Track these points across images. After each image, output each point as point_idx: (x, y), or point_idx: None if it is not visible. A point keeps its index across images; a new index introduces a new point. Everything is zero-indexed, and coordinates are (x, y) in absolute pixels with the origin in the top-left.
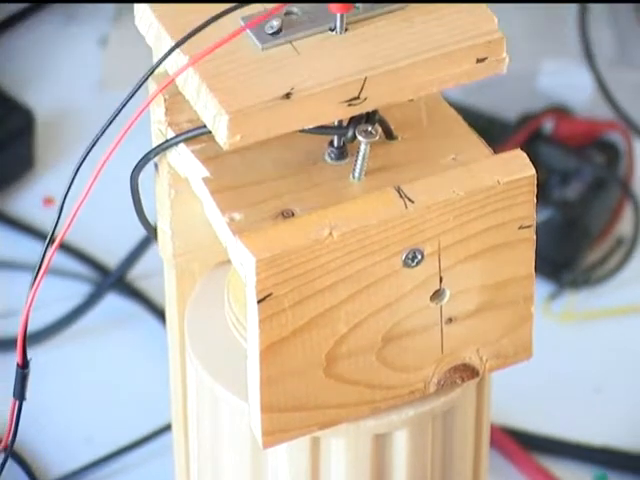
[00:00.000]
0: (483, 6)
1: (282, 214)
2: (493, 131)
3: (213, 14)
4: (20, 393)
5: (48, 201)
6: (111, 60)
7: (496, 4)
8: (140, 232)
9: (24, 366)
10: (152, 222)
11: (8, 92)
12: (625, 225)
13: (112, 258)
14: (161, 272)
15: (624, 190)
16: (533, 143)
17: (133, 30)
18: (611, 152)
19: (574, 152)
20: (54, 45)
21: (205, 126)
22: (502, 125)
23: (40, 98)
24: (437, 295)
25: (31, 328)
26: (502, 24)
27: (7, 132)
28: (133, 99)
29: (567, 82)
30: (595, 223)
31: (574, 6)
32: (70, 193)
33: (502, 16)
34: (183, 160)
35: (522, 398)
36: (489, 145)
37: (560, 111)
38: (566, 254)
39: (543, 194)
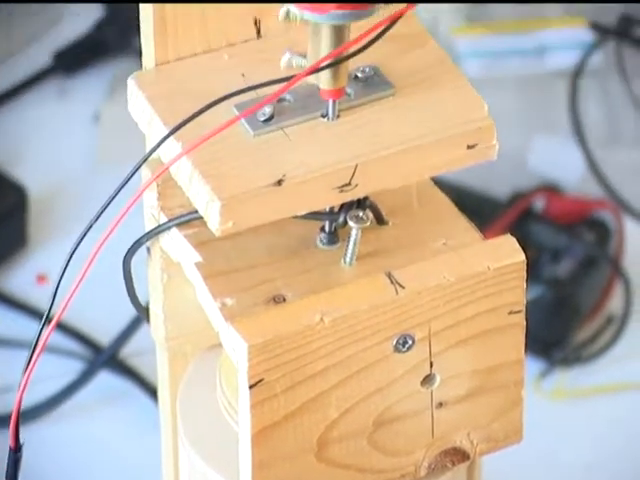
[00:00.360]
0: (473, 91)
1: (274, 299)
2: (484, 209)
3: (206, 98)
4: (12, 477)
5: (41, 278)
6: (105, 136)
7: (488, 83)
8: (132, 310)
9: (17, 449)
10: (144, 303)
11: (1, 169)
12: (615, 303)
13: (104, 336)
14: (153, 350)
15: (614, 268)
16: (524, 221)
17: (126, 105)
18: (601, 230)
19: (565, 230)
20: (47, 121)
21: (197, 211)
22: (493, 203)
23: (33, 175)
24: (428, 380)
25: (25, 405)
26: (493, 102)
27: (0, 209)
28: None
29: (558, 160)
30: (585, 301)
31: (565, 83)
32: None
33: (493, 93)
34: (175, 245)
35: (512, 477)
36: (480, 223)
37: (551, 189)
38: (556, 332)
39: (534, 272)
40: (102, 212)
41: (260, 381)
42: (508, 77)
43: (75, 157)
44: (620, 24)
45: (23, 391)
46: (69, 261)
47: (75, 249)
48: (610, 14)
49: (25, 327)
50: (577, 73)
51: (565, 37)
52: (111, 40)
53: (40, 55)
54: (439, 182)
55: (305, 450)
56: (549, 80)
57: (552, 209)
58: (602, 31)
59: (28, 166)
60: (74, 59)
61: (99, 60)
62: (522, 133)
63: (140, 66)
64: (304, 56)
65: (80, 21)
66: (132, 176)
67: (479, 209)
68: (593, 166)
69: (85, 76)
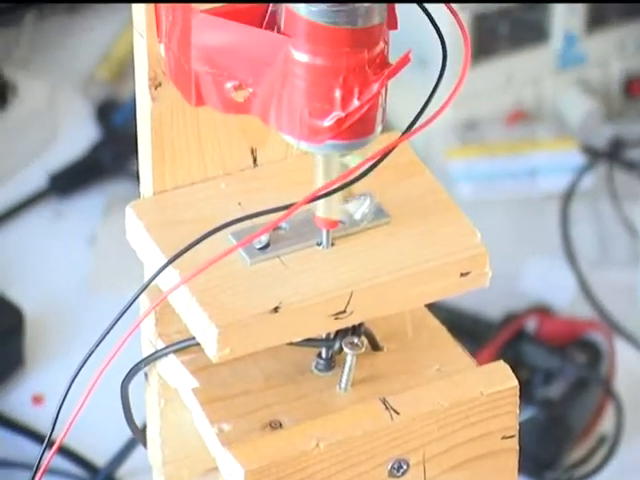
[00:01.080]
0: (466, 220)
1: (270, 425)
2: (478, 330)
3: (203, 226)
4: None
5: (37, 399)
6: (100, 259)
7: (481, 206)
8: (128, 431)
9: None
10: (141, 426)
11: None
12: (607, 423)
13: (101, 457)
14: (148, 470)
15: (606, 389)
16: (517, 342)
17: (122, 227)
18: (593, 351)
19: (556, 351)
20: (43, 242)
21: (194, 338)
22: (486, 324)
23: (29, 296)
24: None
25: None
26: (486, 224)
27: None
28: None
29: (549, 282)
30: (577, 422)
31: (556, 205)
32: (58, 392)
33: (486, 216)
34: (173, 370)
35: None
36: (474, 344)
37: (543, 310)
38: (549, 452)
39: (526, 393)
40: (101, 340)
41: None
42: (501, 199)
43: (71, 279)
44: (611, 146)
45: None
46: (69, 388)
47: (75, 376)
48: (601, 137)
49: (21, 448)
50: (568, 195)
51: (556, 160)
52: (106, 162)
53: (35, 176)
54: (433, 303)
55: None
56: (541, 202)
57: (544, 330)
58: (593, 154)
59: (24, 287)
60: (69, 181)
61: (94, 182)
62: (514, 255)
63: (135, 188)
64: None
65: (75, 142)
66: (132, 304)
67: (473, 330)
68: (585, 287)
69: (80, 198)
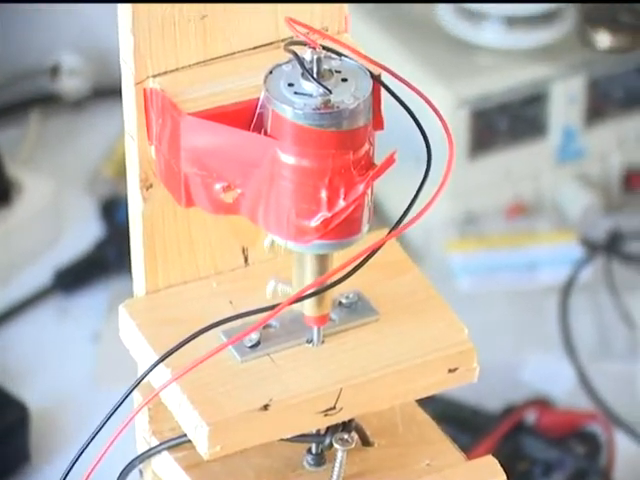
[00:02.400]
0: (454, 317)
1: None
2: (477, 422)
3: (195, 324)
4: None
5: None
6: (104, 355)
7: (481, 298)
8: None
9: None
10: None
11: (3, 386)
12: None
13: None
14: None
15: None
16: (516, 434)
17: None
18: (592, 443)
19: (556, 443)
20: (48, 339)
21: (186, 435)
22: (486, 416)
23: (34, 392)
24: None
25: None
26: (485, 316)
27: (2, 426)
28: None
29: (549, 374)
30: None
31: (555, 297)
32: None
33: (486, 308)
34: (167, 467)
35: None
36: (472, 436)
37: (542, 402)
38: None
39: None
40: (95, 436)
41: None
42: (500, 292)
43: (76, 374)
44: (609, 239)
45: None
46: (67, 473)
47: (69, 470)
48: (600, 229)
49: None
50: (567, 288)
51: (555, 253)
52: (110, 259)
53: (41, 273)
54: (432, 395)
55: None
56: (540, 295)
57: (543, 422)
58: (591, 246)
59: (30, 383)
60: (74, 278)
61: (98, 279)
62: (514, 347)
63: None
64: (289, 283)
65: (80, 239)
66: (123, 402)
67: (472, 422)
68: (584, 379)
69: (85, 295)
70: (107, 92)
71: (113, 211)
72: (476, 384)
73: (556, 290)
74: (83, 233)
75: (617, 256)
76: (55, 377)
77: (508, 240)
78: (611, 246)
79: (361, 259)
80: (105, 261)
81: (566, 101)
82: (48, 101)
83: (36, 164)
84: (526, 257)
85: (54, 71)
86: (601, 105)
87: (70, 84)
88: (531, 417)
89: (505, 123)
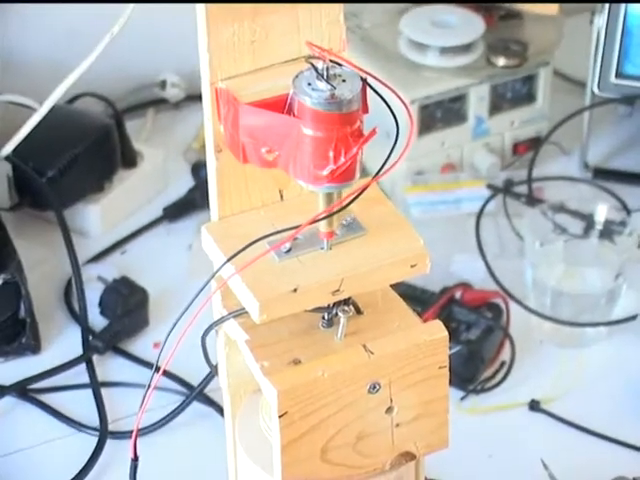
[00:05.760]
0: (414, 233)
1: (293, 362)
2: (424, 298)
3: (249, 238)
4: (133, 477)
5: (156, 345)
6: (195, 259)
7: (426, 222)
8: None
9: (135, 459)
10: (215, 363)
11: (130, 278)
12: (506, 354)
13: (194, 379)
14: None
15: (505, 333)
16: (449, 305)
17: None
18: (496, 310)
19: (474, 310)
20: (159, 249)
21: (244, 308)
22: (430, 294)
23: (152, 282)
24: (389, 410)
25: (143, 424)
26: (429, 233)
27: (132, 303)
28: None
29: (469, 267)
30: (487, 353)
31: (472, 220)
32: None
33: (429, 228)
34: (233, 328)
35: (444, 462)
36: (421, 308)
37: (465, 285)
38: (469, 373)
39: (455, 336)
40: (188, 307)
41: (285, 413)
42: (438, 218)
43: (177, 271)
44: (504, 185)
45: (142, 414)
46: (167, 339)
47: (173, 327)
48: (499, 179)
49: (145, 375)
50: (479, 214)
51: (472, 193)
52: (197, 200)
53: (154, 209)
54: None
55: (314, 455)
56: (463, 219)
57: (466, 298)
58: (494, 189)
59: (148, 277)
60: (176, 212)
61: (190, 212)
62: (447, 251)
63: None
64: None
65: (179, 188)
66: (205, 287)
67: (421, 298)
68: (490, 271)
69: (182, 222)
70: (195, 97)
71: (199, 170)
72: (423, 275)
73: (473, 216)
74: (181, 184)
75: (509, 195)
76: (164, 273)
77: (443, 186)
78: (506, 189)
79: (355, 195)
80: (194, 201)
81: (478, 100)
82: (159, 103)
83: (151, 142)
84: (454, 196)
85: (162, 84)
86: (499, 102)
87: (172, 92)
88: (458, 294)
89: (440, 113)
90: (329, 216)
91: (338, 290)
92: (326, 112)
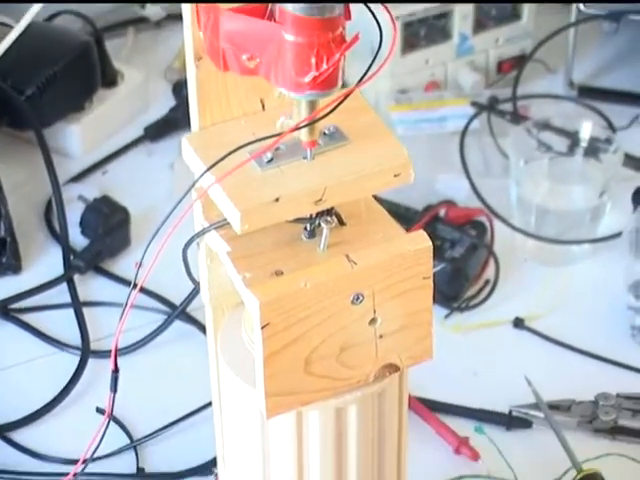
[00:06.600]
0: (398, 142)
1: (275, 273)
2: (409, 216)
3: (230, 147)
4: (114, 389)
5: (137, 264)
6: (178, 178)
7: (409, 139)
8: None
9: (116, 371)
10: (197, 278)
11: (111, 197)
12: (490, 272)
13: (177, 297)
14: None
15: (489, 251)
16: (433, 223)
17: None
18: (480, 228)
19: (458, 228)
20: (140, 169)
21: (226, 219)
22: (414, 212)
23: (133, 201)
24: (373, 321)
25: (122, 344)
26: (413, 151)
27: (113, 223)
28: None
29: (453, 185)
30: (472, 271)
31: (457, 138)
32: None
33: (412, 146)
34: (214, 240)
35: (429, 379)
36: (405, 225)
37: (449, 203)
38: (454, 290)
39: (439, 254)
40: (172, 211)
41: (267, 324)
42: (423, 135)
43: (159, 190)
44: (489, 102)
45: (120, 329)
46: (146, 251)
47: (151, 240)
48: (483, 96)
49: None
50: (464, 132)
51: (456, 111)
52: (179, 118)
53: (136, 129)
54: (380, 199)
55: (297, 366)
56: (447, 137)
57: (450, 216)
58: (478, 107)
59: (130, 196)
60: (157, 131)
61: (172, 131)
62: (431, 169)
63: None
64: (292, 119)
65: (160, 107)
66: (185, 195)
67: (405, 216)
68: (475, 189)
69: (163, 141)
70: (176, 16)
71: (180, 90)
72: (408, 192)
73: (457, 134)
74: (162, 103)
75: (494, 112)
76: (145, 192)
77: (427, 104)
78: (490, 106)
79: (338, 102)
80: (176, 120)
81: (462, 17)
82: (139, 22)
83: (132, 61)
84: (438, 114)
85: (142, 2)
86: (483, 19)
87: (153, 10)
88: (442, 212)
89: (424, 30)
90: (311, 124)
91: (321, 199)
92: (307, 17)
